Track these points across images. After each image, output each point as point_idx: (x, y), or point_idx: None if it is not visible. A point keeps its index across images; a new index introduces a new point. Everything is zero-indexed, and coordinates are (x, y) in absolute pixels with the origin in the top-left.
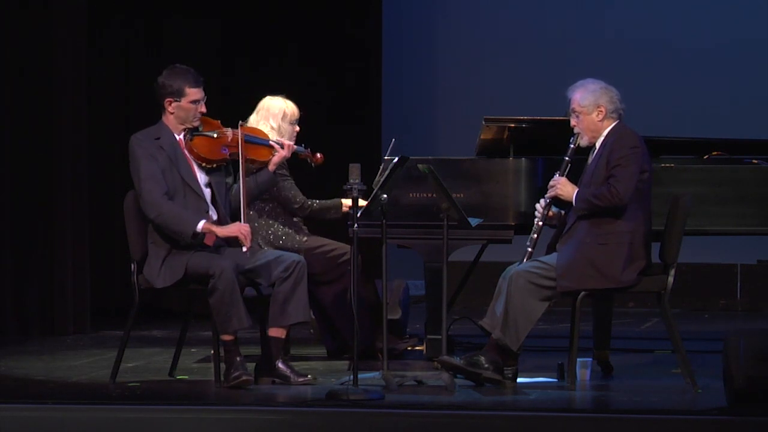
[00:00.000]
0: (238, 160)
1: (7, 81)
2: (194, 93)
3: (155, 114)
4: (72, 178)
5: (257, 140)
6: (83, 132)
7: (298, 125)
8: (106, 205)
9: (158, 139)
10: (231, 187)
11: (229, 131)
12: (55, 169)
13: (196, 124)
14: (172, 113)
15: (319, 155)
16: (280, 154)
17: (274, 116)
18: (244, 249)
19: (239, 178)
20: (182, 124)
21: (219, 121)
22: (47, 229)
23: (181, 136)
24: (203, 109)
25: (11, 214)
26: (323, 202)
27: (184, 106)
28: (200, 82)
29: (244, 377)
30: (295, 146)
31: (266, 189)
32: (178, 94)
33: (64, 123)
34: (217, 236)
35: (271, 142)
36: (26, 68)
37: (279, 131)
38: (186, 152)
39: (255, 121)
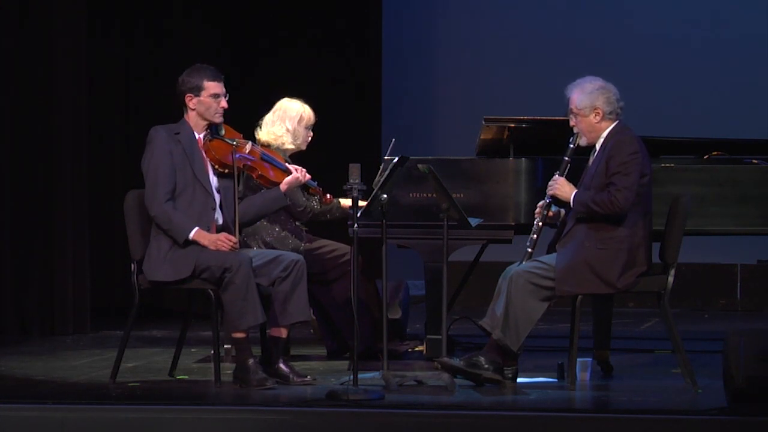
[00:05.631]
0: (250, 174)
1: (8, 81)
2: (213, 87)
3: (156, 113)
4: (72, 178)
5: (273, 161)
6: (83, 132)
7: (312, 131)
8: (106, 205)
9: (178, 134)
10: (242, 198)
11: (248, 144)
12: (55, 169)
13: (218, 120)
14: (193, 109)
15: (329, 196)
16: (294, 176)
17: (290, 118)
18: None
19: (238, 194)
20: (204, 120)
21: (241, 135)
22: (47, 229)
23: (201, 136)
24: (224, 104)
25: (11, 214)
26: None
27: (204, 101)
28: (219, 77)
29: (269, 383)
30: (309, 177)
31: (271, 208)
32: (197, 90)
33: (64, 123)
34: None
35: (286, 166)
36: (26, 68)
37: (294, 134)
38: (203, 152)
39: (270, 120)
